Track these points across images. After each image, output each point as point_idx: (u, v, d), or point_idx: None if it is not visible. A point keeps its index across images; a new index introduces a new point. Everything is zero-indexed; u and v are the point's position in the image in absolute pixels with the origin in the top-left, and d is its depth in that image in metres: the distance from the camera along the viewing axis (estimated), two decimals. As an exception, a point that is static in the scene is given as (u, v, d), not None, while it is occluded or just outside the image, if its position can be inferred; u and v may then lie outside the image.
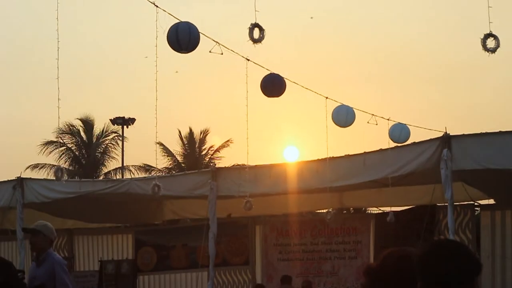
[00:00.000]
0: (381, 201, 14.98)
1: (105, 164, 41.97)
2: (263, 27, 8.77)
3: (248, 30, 8.76)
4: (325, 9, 54.14)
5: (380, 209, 15.72)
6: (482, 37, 8.08)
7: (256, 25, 8.81)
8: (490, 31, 7.91)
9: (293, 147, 18.24)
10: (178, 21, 8.49)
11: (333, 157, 12.00)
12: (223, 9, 51.70)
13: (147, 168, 39.92)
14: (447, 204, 10.88)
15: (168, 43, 8.39)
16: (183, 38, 8.23)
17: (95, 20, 57.18)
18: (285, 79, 10.35)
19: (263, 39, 8.83)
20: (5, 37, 55.19)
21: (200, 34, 8.62)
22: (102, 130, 41.64)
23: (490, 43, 7.95)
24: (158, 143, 28.87)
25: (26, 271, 6.07)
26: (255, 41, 8.83)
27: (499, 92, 54.27)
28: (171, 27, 8.36)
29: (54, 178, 11.73)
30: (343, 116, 11.82)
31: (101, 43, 57.02)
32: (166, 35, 8.40)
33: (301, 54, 54.41)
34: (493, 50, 7.95)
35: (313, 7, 52.65)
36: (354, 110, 12.19)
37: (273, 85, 10.11)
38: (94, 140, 41.75)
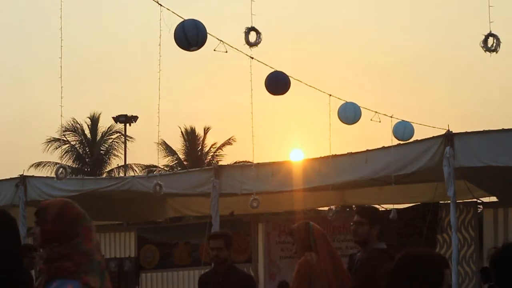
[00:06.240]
0: (383, 199, 14.97)
1: (109, 162, 42.04)
2: (259, 31, 8.72)
3: (244, 34, 8.72)
4: (328, 7, 54.14)
5: (382, 207, 15.72)
6: (482, 38, 8.09)
7: (252, 28, 8.76)
8: (490, 31, 7.92)
9: (297, 148, 18.19)
10: (182, 19, 8.42)
11: (335, 154, 11.98)
12: (226, 7, 51.69)
13: (150, 168, 39.92)
14: (449, 201, 10.86)
15: (176, 42, 8.25)
16: (191, 35, 8.10)
17: (99, 18, 57.22)
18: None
19: (259, 42, 8.79)
20: (9, 34, 55.27)
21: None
22: (107, 128, 41.71)
23: (491, 43, 7.97)
24: (161, 141, 28.96)
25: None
26: (251, 44, 8.79)
27: (503, 90, 54.28)
28: (177, 26, 8.26)
29: (55, 177, 11.73)
30: (351, 113, 11.74)
31: (104, 41, 57.06)
32: (171, 34, 8.30)
33: (303, 52, 54.42)
34: (493, 50, 7.95)
35: (316, 5, 52.67)
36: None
37: (278, 83, 10.08)
38: (98, 138, 41.77)
